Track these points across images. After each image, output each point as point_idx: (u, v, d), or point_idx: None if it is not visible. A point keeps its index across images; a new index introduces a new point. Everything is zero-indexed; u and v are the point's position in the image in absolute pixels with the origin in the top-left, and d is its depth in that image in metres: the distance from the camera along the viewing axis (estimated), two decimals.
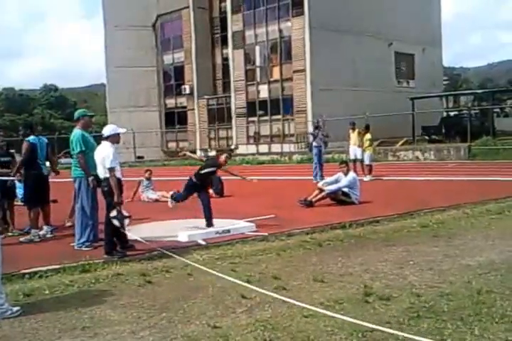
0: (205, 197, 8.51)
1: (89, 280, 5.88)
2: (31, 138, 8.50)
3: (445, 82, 49.44)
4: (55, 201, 9.51)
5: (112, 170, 6.94)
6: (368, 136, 16.73)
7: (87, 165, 7.48)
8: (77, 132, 7.66)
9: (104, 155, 7.03)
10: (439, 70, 41.71)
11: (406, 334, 3.91)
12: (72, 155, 7.81)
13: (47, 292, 5.51)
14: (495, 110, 32.78)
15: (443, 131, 29.82)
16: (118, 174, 7.11)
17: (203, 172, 8.58)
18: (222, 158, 8.77)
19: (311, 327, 4.19)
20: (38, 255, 7.21)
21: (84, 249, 7.46)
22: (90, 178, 7.43)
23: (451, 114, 35.00)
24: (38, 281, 5.95)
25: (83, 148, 7.54)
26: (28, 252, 7.47)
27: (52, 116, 74.15)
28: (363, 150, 16.60)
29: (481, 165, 18.91)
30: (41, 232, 8.47)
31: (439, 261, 6.17)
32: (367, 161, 16.50)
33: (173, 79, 41.84)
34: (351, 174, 11.28)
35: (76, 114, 7.95)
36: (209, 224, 8.35)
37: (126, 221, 7.07)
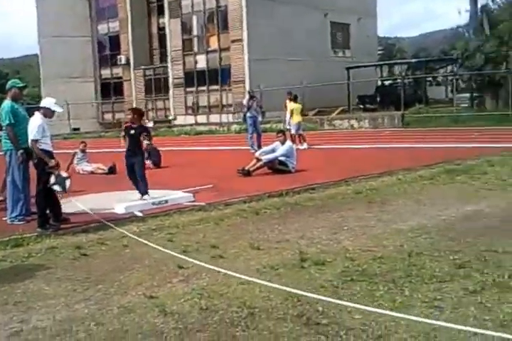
0: (139, 167, 8.32)
1: (22, 255, 5.73)
2: None
3: (380, 52, 50.13)
4: None
5: (35, 142, 6.73)
6: (294, 105, 16.72)
7: (17, 137, 7.21)
8: (6, 104, 7.35)
9: (31, 127, 6.80)
10: (374, 40, 42.20)
11: (338, 301, 4.01)
12: (2, 127, 7.47)
13: None
14: (427, 79, 33.65)
15: (378, 99, 30.38)
16: (48, 146, 6.90)
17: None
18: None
19: (247, 293, 4.23)
20: None
21: (16, 223, 7.24)
22: (20, 152, 7.16)
23: (386, 83, 35.68)
24: None
25: (12, 121, 7.25)
26: None
27: None
28: (293, 120, 16.61)
29: (414, 133, 19.44)
30: None
31: (372, 226, 6.33)
32: (293, 131, 16.49)
33: (108, 50, 40.40)
34: (288, 143, 11.35)
35: (7, 85, 7.59)
36: (143, 193, 8.20)
37: (68, 182, 6.91)
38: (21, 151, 7.13)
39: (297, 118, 16.69)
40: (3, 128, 7.39)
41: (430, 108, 26.55)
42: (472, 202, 7.37)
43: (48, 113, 7.06)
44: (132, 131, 8.29)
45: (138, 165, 8.26)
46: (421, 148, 14.72)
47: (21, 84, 7.67)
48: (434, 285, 4.18)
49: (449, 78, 32.21)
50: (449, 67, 34.46)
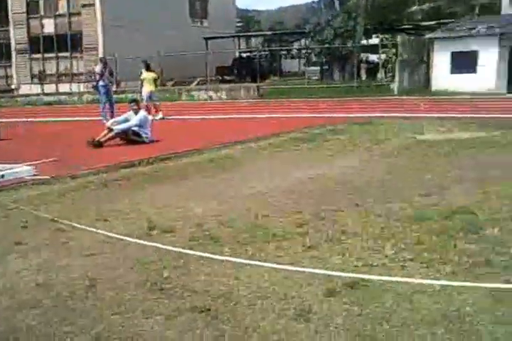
0: None
1: None
2: None
3: (239, 24, 50.53)
4: None
5: None
6: (150, 74, 16.37)
7: None
8: None
9: None
10: (233, 11, 42.34)
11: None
12: None
13: None
14: (282, 52, 34.65)
15: (235, 71, 30.74)
16: None
17: None
18: None
19: (90, 264, 4.10)
20: None
21: None
22: None
23: (243, 55, 36.16)
24: None
25: None
26: None
27: None
28: (151, 91, 16.30)
29: (268, 104, 20.01)
30: None
31: (223, 192, 6.45)
32: (149, 100, 16.19)
33: None
34: (142, 113, 11.09)
35: None
36: None
37: None
38: None
39: (148, 87, 16.30)
40: None
41: (284, 80, 27.47)
42: (316, 167, 7.80)
43: None
44: None
45: None
46: (274, 118, 15.21)
47: None
48: (276, 244, 4.37)
49: (302, 51, 33.45)
50: (303, 41, 35.73)
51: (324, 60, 28.07)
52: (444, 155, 8.32)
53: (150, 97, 16.21)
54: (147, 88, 16.25)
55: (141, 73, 16.78)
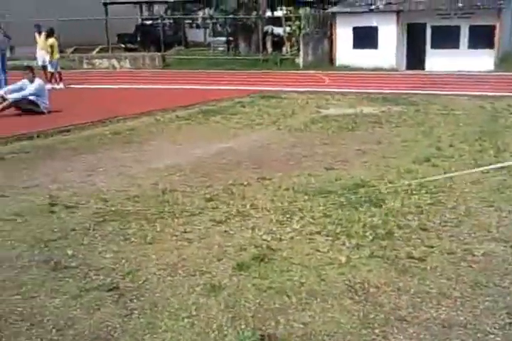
0: None
1: None
2: None
3: None
4: None
5: None
6: (51, 41, 15.47)
7: None
8: None
9: None
10: None
11: None
12: None
13: None
14: (187, 21, 33.84)
15: (138, 39, 29.70)
16: None
17: None
18: None
19: None
20: None
21: None
22: None
23: (147, 22, 34.92)
24: None
25: None
26: None
27: None
28: (53, 57, 15.42)
29: (173, 74, 19.59)
30: None
31: (128, 166, 6.29)
32: (51, 68, 15.36)
33: None
34: (37, 81, 10.43)
35: None
36: None
37: None
38: None
39: (57, 55, 15.43)
40: None
41: (190, 50, 26.95)
42: (224, 141, 7.79)
43: None
44: None
45: None
46: (179, 89, 14.93)
47: None
48: (185, 219, 4.35)
49: (207, 21, 32.86)
50: (207, 10, 35.09)
51: (229, 31, 27.78)
52: (346, 130, 8.59)
53: (51, 65, 15.30)
54: (56, 55, 15.32)
55: (36, 38, 15.75)
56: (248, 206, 4.60)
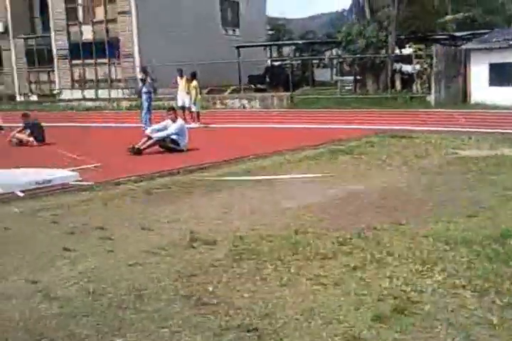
0: None
1: None
2: None
3: (270, 32, 50.70)
4: None
5: None
6: (195, 83, 16.64)
7: None
8: None
9: None
10: (263, 20, 42.57)
11: None
12: None
13: None
14: (314, 61, 34.56)
15: (267, 80, 30.80)
16: None
17: None
18: None
19: (137, 275, 4.17)
20: None
21: None
22: None
23: (275, 63, 36.21)
24: None
25: None
26: None
27: None
28: (191, 98, 16.56)
29: (301, 114, 19.98)
30: None
31: (261, 205, 6.47)
32: (193, 108, 16.48)
33: None
34: (179, 121, 11.23)
35: None
36: None
37: None
38: None
39: (198, 96, 16.64)
40: None
41: (316, 90, 27.36)
42: (354, 182, 7.76)
43: None
44: None
45: None
46: (307, 128, 15.21)
47: None
48: (318, 263, 4.36)
49: (334, 61, 33.37)
50: (334, 50, 35.68)
51: (357, 69, 27.92)
52: (487, 173, 8.13)
53: (191, 105, 16.44)
54: (188, 97, 16.50)
55: (176, 81, 17.01)
56: (384, 253, 4.49)
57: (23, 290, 3.89)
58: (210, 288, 3.87)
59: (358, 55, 25.50)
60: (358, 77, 28.14)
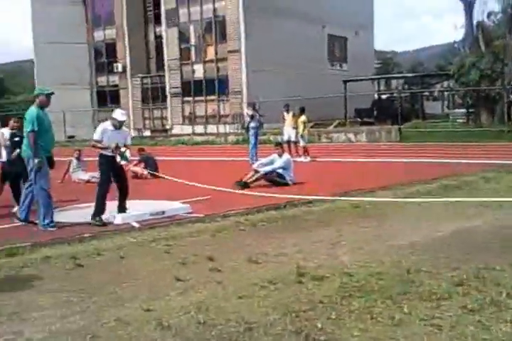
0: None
1: (17, 265, 5.65)
2: None
3: (377, 66, 50.57)
4: None
5: (94, 141, 8.00)
6: (303, 117, 16.91)
7: (37, 145, 7.26)
8: (32, 110, 7.35)
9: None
10: (371, 54, 42.57)
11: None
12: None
13: None
14: (424, 94, 33.85)
15: (375, 113, 30.53)
16: (106, 151, 7.93)
17: None
18: None
19: (246, 308, 4.20)
20: None
21: (50, 229, 7.32)
22: (36, 160, 7.22)
23: (383, 96, 35.89)
24: None
25: (35, 128, 7.24)
26: None
27: None
28: (297, 132, 16.81)
29: (410, 147, 19.51)
30: None
31: (369, 241, 6.32)
32: (301, 143, 16.69)
33: (104, 57, 40.47)
34: (286, 155, 11.38)
35: (34, 92, 7.67)
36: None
37: (128, 153, 8.05)
38: (38, 159, 7.21)
39: (306, 130, 16.90)
40: (26, 135, 7.41)
41: (427, 123, 26.69)
42: (469, 219, 7.38)
43: (115, 122, 7.85)
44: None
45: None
46: (417, 162, 14.78)
47: (48, 91, 7.60)
48: (433, 303, 4.17)
49: (445, 93, 32.47)
50: (445, 83, 34.78)
51: (469, 102, 26.94)
52: None
53: (299, 140, 16.69)
54: (304, 131, 16.77)
55: (284, 116, 17.35)
56: (504, 295, 4.21)
57: (139, 318, 4.05)
58: (319, 325, 3.81)
59: (472, 87, 24.65)
60: (471, 110, 27.15)
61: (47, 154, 7.42)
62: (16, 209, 8.52)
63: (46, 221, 7.37)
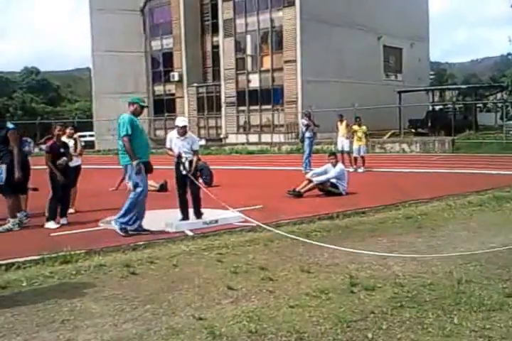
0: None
1: (70, 272, 5.70)
2: (11, 125, 8.19)
3: (431, 77, 49.79)
4: (35, 189, 9.36)
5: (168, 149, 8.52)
6: (364, 127, 16.87)
7: (133, 149, 7.45)
8: (126, 116, 7.57)
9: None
10: (426, 65, 41.95)
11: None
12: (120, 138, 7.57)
13: (24, 284, 5.32)
14: (478, 105, 33.11)
15: (429, 124, 30.06)
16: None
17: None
18: None
19: (297, 317, 4.25)
20: (16, 245, 7.09)
21: (119, 230, 7.48)
22: (135, 162, 7.41)
23: (437, 108, 35.28)
24: (15, 273, 5.76)
25: (129, 132, 7.43)
26: (5, 242, 7.31)
27: (33, 100, 69.38)
28: (351, 142, 16.77)
29: (464, 158, 19.12)
30: (15, 220, 8.10)
31: (422, 252, 6.29)
32: (361, 153, 16.61)
33: (161, 66, 41.28)
34: (340, 165, 11.39)
35: (129, 99, 7.86)
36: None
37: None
38: (137, 161, 7.41)
39: (360, 140, 16.82)
40: (119, 140, 7.55)
41: (480, 134, 26.18)
42: None
43: (178, 129, 8.24)
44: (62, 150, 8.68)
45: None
46: (470, 173, 14.49)
47: (144, 104, 7.94)
48: (483, 314, 4.15)
49: (499, 105, 31.65)
50: (499, 94, 33.96)
51: None
52: None
53: (359, 150, 16.64)
54: (358, 141, 16.72)
55: (337, 126, 17.34)
56: None
57: (190, 326, 4.10)
58: (370, 335, 3.85)
59: None
60: None
61: (143, 159, 7.57)
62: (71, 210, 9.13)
63: (122, 220, 7.50)
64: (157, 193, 12.49)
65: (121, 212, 7.53)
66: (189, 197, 8.44)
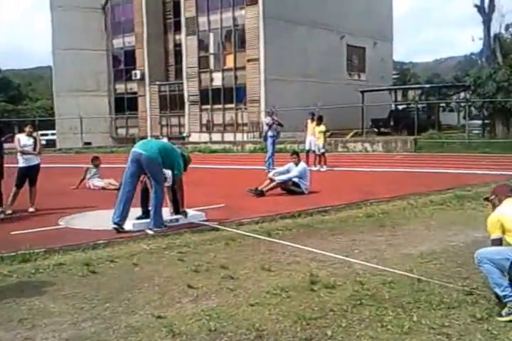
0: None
1: (29, 271, 5.65)
2: None
3: (395, 76, 50.58)
4: None
5: None
6: (323, 127, 16.94)
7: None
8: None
9: None
10: (389, 64, 42.59)
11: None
12: None
13: None
14: (441, 105, 33.76)
15: (391, 123, 30.49)
16: None
17: None
18: None
19: (257, 315, 4.26)
20: None
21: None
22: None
23: (400, 107, 35.83)
24: None
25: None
26: None
27: None
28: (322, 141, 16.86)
29: (426, 158, 19.46)
30: None
31: (382, 250, 6.35)
32: (320, 151, 16.69)
33: (123, 64, 40.86)
34: (302, 164, 11.41)
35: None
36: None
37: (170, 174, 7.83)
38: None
39: (319, 139, 16.90)
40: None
41: (442, 133, 26.65)
42: (481, 229, 7.28)
43: None
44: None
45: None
46: (432, 173, 14.74)
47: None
48: (442, 312, 4.21)
49: (462, 104, 32.38)
50: (462, 94, 34.72)
51: (486, 113, 26.82)
52: None
53: (322, 148, 16.71)
54: (318, 140, 16.79)
55: (307, 124, 17.40)
56: None
57: (150, 325, 4.10)
58: (329, 333, 3.87)
59: (488, 99, 24.56)
60: (487, 121, 27.02)
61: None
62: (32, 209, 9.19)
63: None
64: (117, 192, 12.30)
65: (152, 212, 7.71)
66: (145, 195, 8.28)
